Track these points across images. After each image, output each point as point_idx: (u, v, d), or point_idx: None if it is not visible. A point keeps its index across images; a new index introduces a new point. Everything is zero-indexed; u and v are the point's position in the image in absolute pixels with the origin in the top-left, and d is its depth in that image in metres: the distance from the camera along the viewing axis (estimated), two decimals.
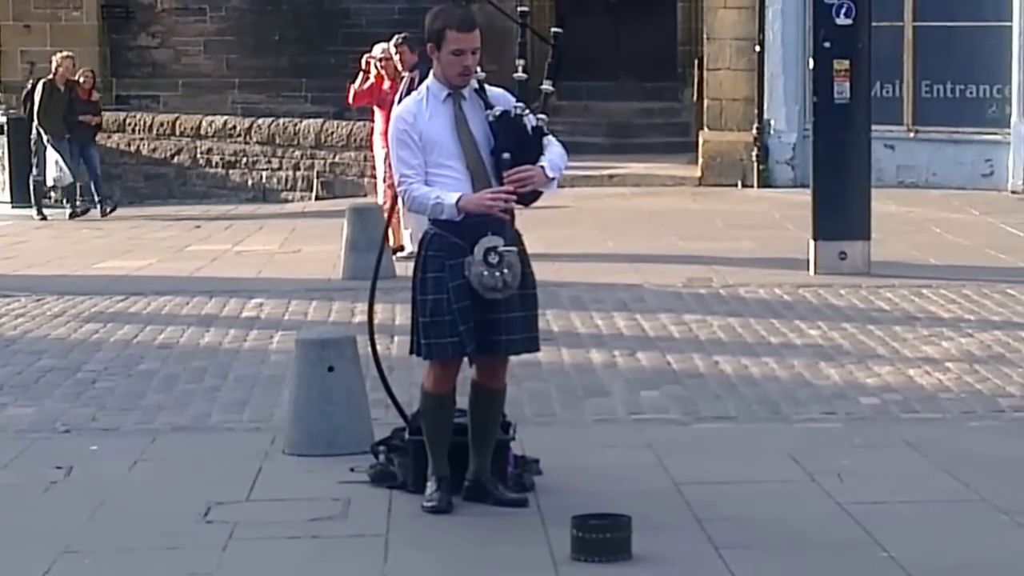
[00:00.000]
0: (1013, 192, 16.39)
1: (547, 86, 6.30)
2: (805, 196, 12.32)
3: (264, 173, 20.17)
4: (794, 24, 17.14)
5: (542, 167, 6.10)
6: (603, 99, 21.22)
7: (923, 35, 16.91)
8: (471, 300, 6.02)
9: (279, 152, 20.10)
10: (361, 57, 14.20)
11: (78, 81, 18.41)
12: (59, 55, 18.66)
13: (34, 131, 18.25)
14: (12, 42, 22.79)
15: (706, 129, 18.08)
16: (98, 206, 18.12)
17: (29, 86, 18.56)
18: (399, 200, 6.37)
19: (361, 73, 13.79)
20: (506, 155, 6.06)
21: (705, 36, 18.19)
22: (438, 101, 6.13)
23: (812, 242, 11.79)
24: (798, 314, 10.32)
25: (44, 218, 17.99)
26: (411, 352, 6.24)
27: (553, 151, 6.17)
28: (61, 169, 17.84)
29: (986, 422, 7.66)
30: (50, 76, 18.22)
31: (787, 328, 9.88)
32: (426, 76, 6.33)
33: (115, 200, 18.61)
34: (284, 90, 22.35)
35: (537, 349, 6.31)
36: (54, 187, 18.12)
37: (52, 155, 17.97)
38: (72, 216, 17.91)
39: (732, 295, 11.08)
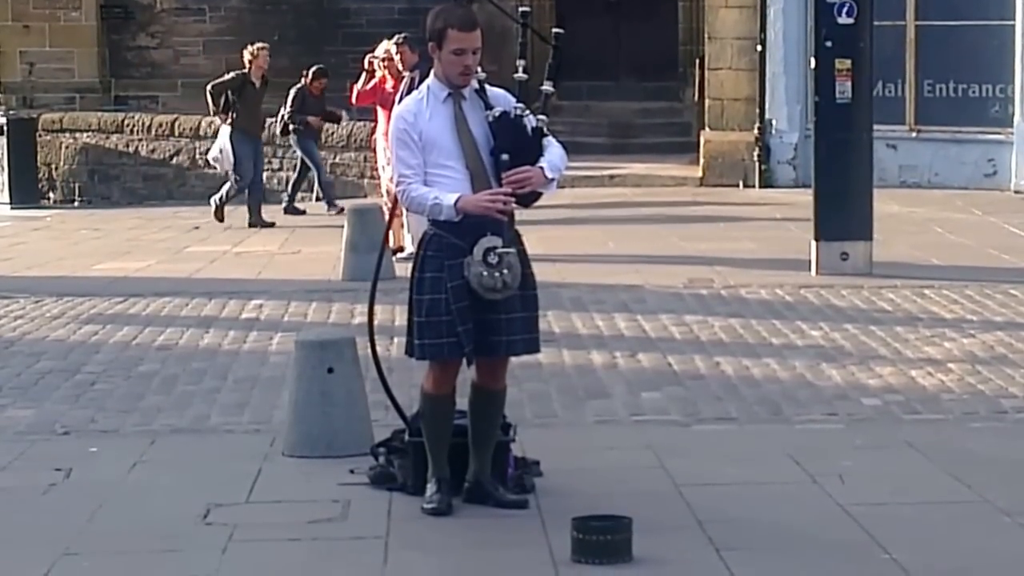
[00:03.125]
0: (1016, 192, 16.37)
1: (547, 87, 6.27)
2: (807, 196, 12.31)
3: (264, 174, 20.14)
4: (796, 23, 17.13)
5: (541, 168, 6.08)
6: (604, 99, 21.21)
7: (925, 34, 16.90)
8: (470, 301, 6.00)
9: (279, 153, 20.09)
10: (362, 57, 14.18)
11: (308, 78, 17.44)
12: (253, 47, 17.00)
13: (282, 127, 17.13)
14: (11, 42, 22.79)
15: (707, 129, 18.07)
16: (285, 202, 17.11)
17: (229, 76, 16.91)
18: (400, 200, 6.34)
19: (364, 73, 13.76)
20: (505, 156, 6.05)
21: (706, 35, 18.18)
22: (438, 101, 6.11)
23: (814, 242, 11.77)
24: (800, 315, 10.30)
25: (302, 212, 16.78)
26: (406, 353, 6.22)
27: (553, 152, 6.15)
28: (223, 152, 16.46)
29: (988, 423, 7.64)
30: (244, 70, 16.57)
31: (788, 329, 9.86)
32: (426, 76, 6.31)
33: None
34: (284, 91, 22.32)
35: (537, 351, 6.29)
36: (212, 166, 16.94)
37: (223, 137, 16.56)
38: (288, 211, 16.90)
39: (733, 296, 11.06)
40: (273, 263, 13.51)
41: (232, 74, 16.71)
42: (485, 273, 5.97)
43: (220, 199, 16.50)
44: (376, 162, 14.09)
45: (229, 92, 16.42)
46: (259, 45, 16.96)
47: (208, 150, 18.84)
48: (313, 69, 17.81)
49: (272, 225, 16.18)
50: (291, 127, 17.28)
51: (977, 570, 5.50)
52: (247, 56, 16.71)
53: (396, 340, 9.17)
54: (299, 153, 17.68)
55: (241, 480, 6.69)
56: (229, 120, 16.41)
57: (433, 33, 6.08)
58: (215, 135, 17.26)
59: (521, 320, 6.09)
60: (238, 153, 16.36)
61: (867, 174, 11.76)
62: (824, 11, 11.67)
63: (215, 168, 17.12)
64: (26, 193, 20.33)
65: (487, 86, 6.15)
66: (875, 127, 12.04)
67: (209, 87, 16.59)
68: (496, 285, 5.99)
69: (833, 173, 11.62)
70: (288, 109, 17.31)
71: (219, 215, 16.48)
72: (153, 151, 20.95)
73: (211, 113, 16.93)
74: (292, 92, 17.50)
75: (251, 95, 16.51)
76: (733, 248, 13.23)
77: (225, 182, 16.74)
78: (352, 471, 6.69)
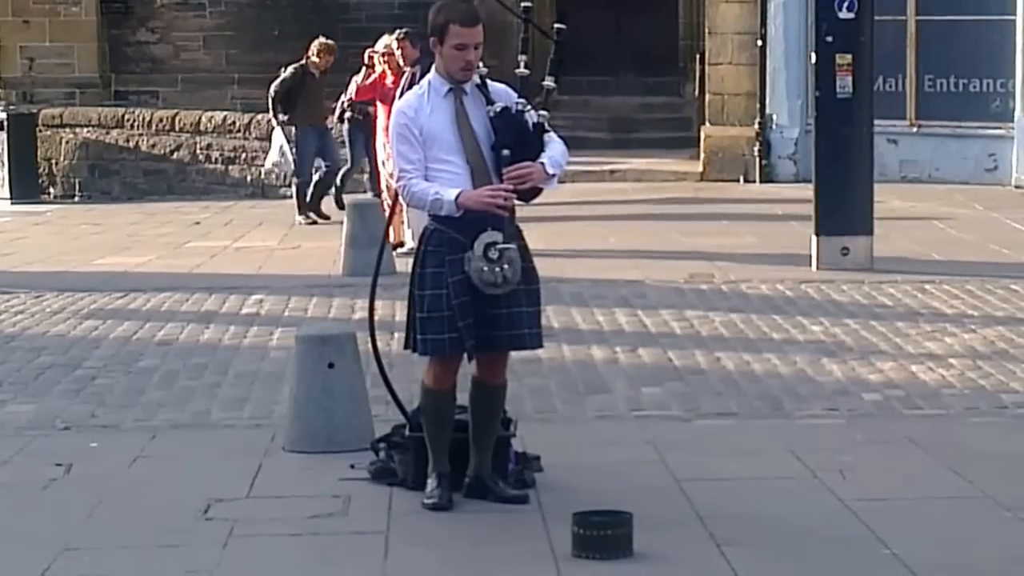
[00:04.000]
0: (1017, 187, 16.35)
1: (549, 82, 6.26)
2: (807, 191, 12.30)
3: (263, 169, 20.13)
4: (796, 18, 17.11)
5: (542, 164, 6.08)
6: (604, 94, 21.18)
7: (926, 29, 16.88)
8: (471, 296, 6.00)
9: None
10: (362, 52, 14.13)
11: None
12: (321, 42, 15.93)
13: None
14: (11, 37, 22.76)
15: (708, 124, 18.05)
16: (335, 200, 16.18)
17: (288, 73, 16.03)
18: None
19: (364, 68, 13.71)
20: (506, 152, 6.04)
21: (707, 30, 18.16)
22: (439, 96, 6.10)
23: (814, 237, 11.76)
24: (800, 310, 10.30)
25: (313, 221, 15.57)
26: (405, 347, 6.21)
27: (554, 148, 6.14)
28: (283, 155, 15.85)
29: (989, 418, 7.64)
30: (303, 61, 15.84)
31: (789, 324, 9.85)
32: (427, 71, 6.30)
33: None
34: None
35: (541, 346, 6.29)
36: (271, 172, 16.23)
37: (279, 138, 15.80)
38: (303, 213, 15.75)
39: (734, 291, 11.06)
40: (273, 258, 13.50)
41: (291, 70, 15.99)
42: (486, 268, 5.97)
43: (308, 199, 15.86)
44: (376, 157, 14.06)
45: (291, 89, 15.81)
46: (329, 44, 16.14)
47: (208, 145, 18.68)
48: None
49: (328, 218, 15.59)
50: (347, 116, 16.40)
51: (978, 565, 5.49)
52: (313, 49, 15.96)
53: (396, 335, 9.15)
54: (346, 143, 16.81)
55: (241, 475, 6.69)
56: (288, 119, 15.79)
57: (435, 28, 6.07)
58: (268, 138, 16.88)
59: (526, 315, 6.09)
60: (303, 151, 15.73)
61: (868, 169, 11.75)
62: (825, 6, 11.65)
63: (272, 178, 16.48)
64: (26, 188, 20.30)
65: (488, 81, 6.15)
66: (876, 122, 12.02)
67: (272, 92, 15.92)
68: (496, 280, 5.98)
69: (834, 168, 11.61)
70: (348, 98, 16.32)
71: (321, 214, 15.79)
72: (153, 146, 20.93)
73: (275, 120, 16.10)
74: (354, 81, 16.35)
75: (312, 86, 15.90)
76: (734, 243, 13.22)
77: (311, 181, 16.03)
78: (352, 466, 6.69)
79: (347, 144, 16.94)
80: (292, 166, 15.93)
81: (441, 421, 6.22)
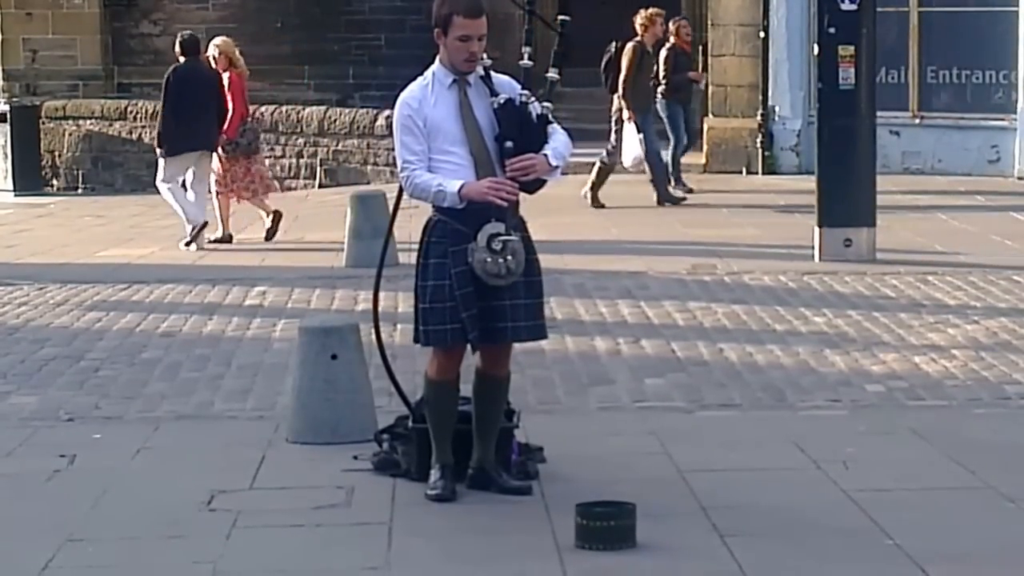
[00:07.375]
0: (1019, 178, 16.35)
1: (553, 74, 6.26)
2: (810, 183, 12.31)
3: (267, 161, 20.14)
4: (799, 10, 17.11)
5: (545, 155, 6.08)
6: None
7: (928, 20, 16.87)
8: (474, 287, 6.00)
9: (282, 140, 20.08)
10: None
11: (674, 32, 15.76)
12: (648, 12, 15.00)
13: (616, 102, 14.88)
14: (14, 30, 22.78)
15: (710, 116, 18.06)
16: (674, 183, 15.62)
17: (614, 49, 14.91)
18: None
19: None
20: (508, 144, 6.04)
21: (709, 22, 18.16)
22: (443, 87, 6.11)
23: (817, 229, 11.77)
24: (803, 301, 10.30)
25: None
26: (415, 340, 6.22)
27: (558, 139, 6.14)
28: (644, 143, 14.67)
29: (992, 409, 7.64)
30: (638, 38, 14.87)
31: (792, 315, 9.86)
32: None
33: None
34: (286, 77, 22.30)
35: (543, 337, 6.30)
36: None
37: (633, 131, 14.71)
38: (664, 202, 15.05)
39: (737, 282, 11.06)
40: (276, 250, 13.50)
41: (629, 46, 14.87)
42: (489, 259, 5.97)
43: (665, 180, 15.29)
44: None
45: (625, 65, 14.77)
46: (654, 11, 15.27)
47: None
48: (675, 19, 16.18)
49: (684, 200, 15.20)
50: (659, 91, 15.67)
51: (980, 556, 5.50)
52: (639, 22, 15.03)
53: (400, 327, 9.19)
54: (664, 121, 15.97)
55: (245, 466, 6.70)
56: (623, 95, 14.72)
57: (439, 19, 6.07)
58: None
59: (525, 307, 6.09)
60: (648, 133, 14.84)
61: (870, 160, 11.75)
62: None
63: (635, 170, 15.16)
64: (29, 180, 20.37)
65: (492, 73, 6.14)
66: (878, 113, 12.02)
67: (624, 88, 14.83)
68: (500, 271, 5.99)
69: (836, 160, 11.61)
70: (663, 72, 15.73)
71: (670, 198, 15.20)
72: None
73: (626, 117, 14.85)
74: (664, 53, 15.80)
75: (647, 65, 15.18)
76: (736, 235, 13.22)
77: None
78: (356, 457, 6.70)
79: (668, 122, 15.91)
80: (654, 156, 15.06)
81: (444, 412, 6.22)
